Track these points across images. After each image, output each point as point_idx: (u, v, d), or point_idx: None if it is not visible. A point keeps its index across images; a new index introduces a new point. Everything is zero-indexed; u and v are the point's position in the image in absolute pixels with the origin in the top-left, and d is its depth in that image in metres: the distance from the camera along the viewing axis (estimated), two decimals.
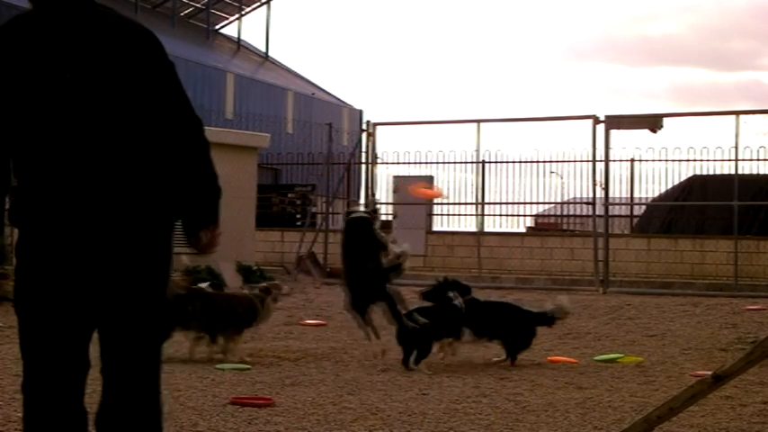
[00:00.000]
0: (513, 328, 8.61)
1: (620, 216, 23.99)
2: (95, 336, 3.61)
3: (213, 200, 3.70)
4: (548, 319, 8.86)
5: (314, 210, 22.27)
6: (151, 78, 3.53)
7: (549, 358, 8.85)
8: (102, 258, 3.48)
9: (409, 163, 22.61)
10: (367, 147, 20.01)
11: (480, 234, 20.85)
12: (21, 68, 3.47)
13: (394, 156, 22.09)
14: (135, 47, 3.53)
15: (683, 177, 22.30)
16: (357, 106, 46.36)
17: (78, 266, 3.47)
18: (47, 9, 3.52)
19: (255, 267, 17.55)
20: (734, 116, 17.54)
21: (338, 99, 46.62)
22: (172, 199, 3.61)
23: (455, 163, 22.53)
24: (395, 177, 22.14)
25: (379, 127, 19.91)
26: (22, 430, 3.61)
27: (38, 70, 3.46)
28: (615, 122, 17.58)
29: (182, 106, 3.61)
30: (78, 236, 3.47)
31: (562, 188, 23.86)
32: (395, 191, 21.85)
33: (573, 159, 21.79)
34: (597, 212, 18.09)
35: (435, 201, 22.54)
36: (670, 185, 22.57)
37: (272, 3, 45.84)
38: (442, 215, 23.81)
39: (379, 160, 20.23)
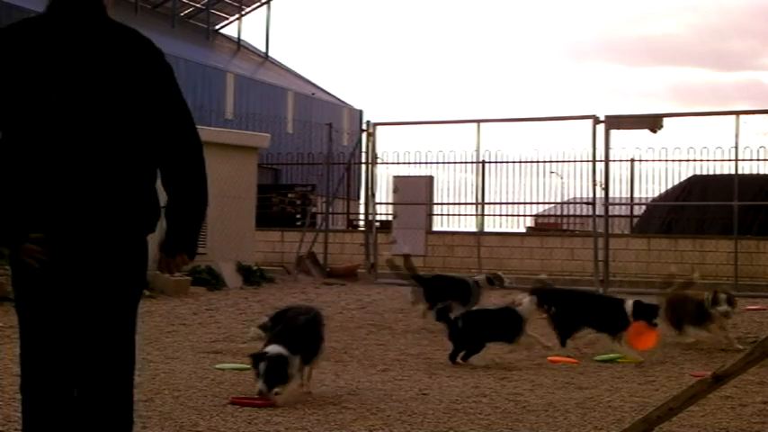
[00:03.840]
0: None
1: (620, 216, 23.98)
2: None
3: (189, 228, 3.71)
4: None
5: (314, 210, 22.26)
6: (150, 91, 3.59)
7: (549, 358, 8.84)
8: (88, 262, 3.58)
9: (409, 163, 22.62)
10: (367, 147, 19.99)
11: (480, 234, 20.84)
12: (19, 76, 3.52)
13: (394, 156, 22.12)
14: (135, 58, 3.59)
15: (683, 177, 22.29)
16: (357, 106, 46.40)
17: (70, 270, 3.57)
18: (57, 16, 3.55)
19: (255, 267, 17.54)
20: (734, 116, 17.52)
21: (338, 99, 46.59)
22: (157, 209, 3.68)
23: (455, 163, 22.54)
24: (395, 177, 22.13)
25: (379, 127, 19.89)
26: (23, 425, 3.67)
27: (37, 76, 3.51)
28: (615, 122, 17.56)
29: (180, 117, 3.68)
30: (70, 242, 3.55)
31: (562, 188, 23.88)
32: (394, 191, 21.85)
33: (573, 159, 21.81)
34: (597, 212, 18.08)
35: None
36: (670, 185, 22.56)
37: (272, 3, 45.88)
38: (442, 215, 23.83)
39: (379, 160, 20.22)
